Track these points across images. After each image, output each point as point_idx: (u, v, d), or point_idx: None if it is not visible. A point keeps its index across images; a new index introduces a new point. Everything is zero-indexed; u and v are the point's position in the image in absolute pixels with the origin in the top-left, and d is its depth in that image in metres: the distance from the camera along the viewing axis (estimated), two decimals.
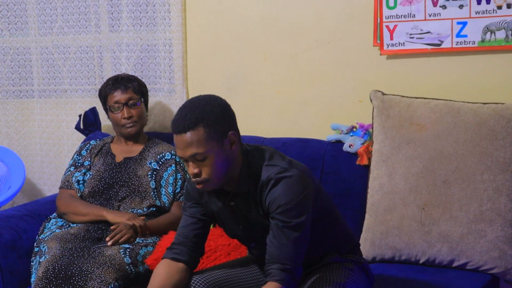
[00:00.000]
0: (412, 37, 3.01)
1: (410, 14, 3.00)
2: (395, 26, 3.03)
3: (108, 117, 3.26)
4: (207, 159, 2.16)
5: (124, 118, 3.15)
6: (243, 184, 2.24)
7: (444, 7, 2.94)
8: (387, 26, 3.04)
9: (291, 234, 2.15)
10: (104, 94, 3.23)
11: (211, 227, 2.47)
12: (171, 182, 3.11)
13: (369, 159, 2.92)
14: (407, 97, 2.86)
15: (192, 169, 2.18)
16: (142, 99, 3.22)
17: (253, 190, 2.23)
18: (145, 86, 3.29)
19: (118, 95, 3.17)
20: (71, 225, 3.02)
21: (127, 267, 2.77)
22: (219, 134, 2.17)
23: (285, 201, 2.15)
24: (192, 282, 2.31)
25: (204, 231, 2.39)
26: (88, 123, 3.56)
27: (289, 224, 2.15)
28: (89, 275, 2.67)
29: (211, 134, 2.15)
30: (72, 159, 3.26)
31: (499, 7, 2.86)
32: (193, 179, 2.21)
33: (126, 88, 3.18)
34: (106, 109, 3.26)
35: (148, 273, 2.81)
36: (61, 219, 3.10)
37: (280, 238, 2.16)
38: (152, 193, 3.08)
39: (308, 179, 2.22)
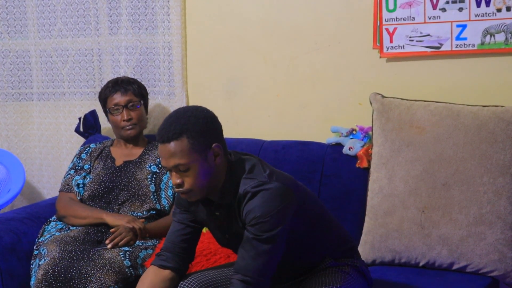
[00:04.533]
0: (412, 40, 3.02)
1: (410, 17, 3.00)
2: (395, 29, 3.03)
3: (108, 119, 3.26)
4: (190, 170, 2.17)
5: (124, 120, 3.16)
6: (225, 195, 2.24)
7: (443, 10, 2.95)
8: (387, 29, 3.04)
9: (260, 247, 2.14)
10: (104, 96, 3.23)
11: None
12: (170, 185, 3.10)
13: (369, 161, 2.92)
14: (407, 99, 2.86)
15: (174, 179, 2.20)
16: (142, 102, 3.22)
17: (233, 202, 2.23)
18: (145, 88, 3.29)
19: (118, 98, 3.18)
20: (71, 228, 3.02)
21: (126, 270, 2.77)
22: (203, 146, 2.17)
23: (260, 213, 2.14)
24: (182, 283, 2.32)
25: (193, 237, 2.39)
26: (88, 126, 3.55)
27: (260, 237, 2.14)
28: (88, 278, 2.66)
29: (194, 146, 2.15)
30: (72, 162, 3.26)
31: (499, 10, 2.86)
32: (176, 189, 2.22)
33: (126, 91, 3.18)
34: (105, 112, 3.26)
35: None
36: (61, 222, 3.10)
37: (248, 250, 2.16)
38: (152, 196, 3.08)
39: (288, 191, 2.19)
